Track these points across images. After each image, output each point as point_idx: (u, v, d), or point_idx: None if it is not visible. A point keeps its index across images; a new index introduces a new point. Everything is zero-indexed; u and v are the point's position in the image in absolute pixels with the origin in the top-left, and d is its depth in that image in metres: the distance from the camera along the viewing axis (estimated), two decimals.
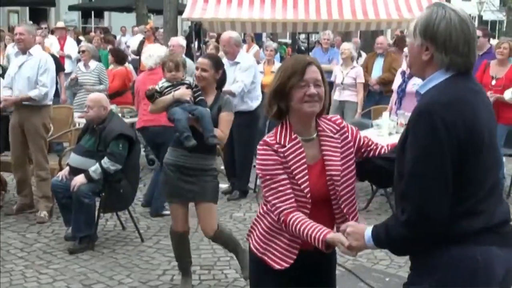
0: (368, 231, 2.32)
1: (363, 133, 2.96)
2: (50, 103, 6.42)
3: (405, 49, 7.40)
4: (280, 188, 2.61)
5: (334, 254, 2.96)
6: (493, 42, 9.51)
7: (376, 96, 8.98)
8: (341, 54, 8.70)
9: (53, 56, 8.08)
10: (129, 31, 19.42)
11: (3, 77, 6.64)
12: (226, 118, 4.49)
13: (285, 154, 2.62)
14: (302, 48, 21.34)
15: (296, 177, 2.62)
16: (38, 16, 24.20)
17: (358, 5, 10.41)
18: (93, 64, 8.69)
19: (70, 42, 12.48)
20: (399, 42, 9.60)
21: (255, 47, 12.64)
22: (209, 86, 4.55)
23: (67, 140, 7.51)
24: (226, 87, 5.28)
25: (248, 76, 7.00)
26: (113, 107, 6.66)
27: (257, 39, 19.30)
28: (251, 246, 2.83)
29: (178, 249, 4.71)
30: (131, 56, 13.92)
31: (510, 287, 2.31)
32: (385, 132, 6.54)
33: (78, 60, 10.05)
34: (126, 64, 9.80)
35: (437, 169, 2.10)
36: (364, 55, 11.97)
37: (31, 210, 6.48)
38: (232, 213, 6.65)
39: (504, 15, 39.69)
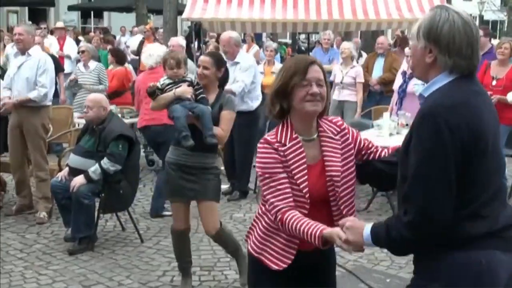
0: (367, 228, 2.31)
1: (363, 133, 2.96)
2: (50, 103, 6.40)
3: (406, 49, 7.38)
4: (279, 187, 2.60)
5: (334, 254, 2.96)
6: (494, 42, 9.49)
7: (377, 96, 8.97)
8: (341, 54, 8.68)
9: (52, 56, 8.07)
10: (128, 31, 19.43)
11: (3, 78, 6.63)
12: (227, 117, 4.45)
13: (286, 153, 2.62)
14: (302, 48, 21.35)
15: (296, 177, 2.61)
16: (38, 16, 24.22)
17: (359, 5, 10.39)
18: (92, 64, 8.68)
19: (70, 42, 12.47)
20: (401, 42, 9.59)
21: (255, 47, 12.63)
22: (211, 84, 4.52)
23: (66, 140, 7.49)
24: (226, 87, 5.25)
25: (248, 76, 6.99)
26: (112, 107, 6.65)
27: (257, 39, 19.29)
28: (248, 246, 2.83)
29: (179, 248, 4.68)
30: (131, 56, 13.89)
31: None
32: (386, 132, 6.52)
33: (78, 61, 10.04)
34: (126, 64, 9.78)
35: (440, 171, 2.09)
36: (364, 55, 11.96)
37: (30, 211, 6.46)
38: (232, 214, 6.63)
39: (505, 15, 39.74)
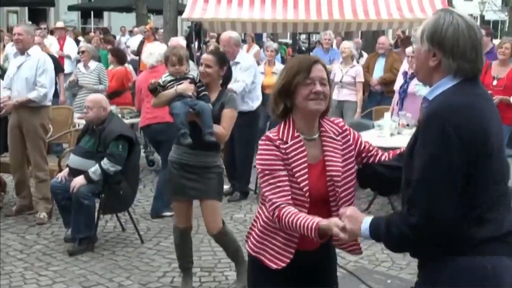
0: (367, 220, 2.30)
1: (364, 134, 2.96)
2: (49, 103, 6.39)
3: (407, 50, 7.37)
4: (278, 184, 2.60)
5: (334, 255, 2.96)
6: (495, 42, 9.49)
7: (378, 97, 8.95)
8: (342, 53, 8.67)
9: (52, 57, 8.05)
10: (127, 31, 19.42)
11: (3, 78, 6.62)
12: (228, 115, 4.41)
13: (287, 151, 2.62)
14: (303, 48, 21.31)
15: (296, 175, 2.61)
16: (37, 16, 24.20)
17: (359, 5, 10.37)
18: (93, 64, 8.66)
19: (70, 42, 12.46)
20: (404, 42, 9.57)
21: (255, 47, 12.61)
22: (213, 83, 4.48)
23: (66, 141, 7.49)
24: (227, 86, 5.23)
25: (249, 75, 6.98)
26: (113, 108, 6.63)
27: (258, 39, 19.28)
28: (247, 246, 2.83)
29: (180, 246, 4.66)
30: (130, 56, 13.88)
31: None
32: (387, 133, 6.51)
33: (78, 61, 10.02)
34: (126, 64, 9.77)
35: (445, 174, 2.08)
36: (365, 55, 11.95)
37: (30, 212, 6.45)
38: (232, 215, 6.61)
39: (506, 15, 39.74)
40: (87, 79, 8.57)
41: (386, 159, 2.75)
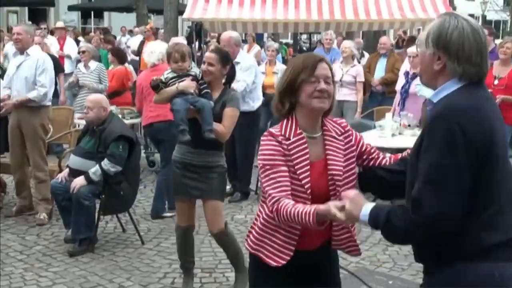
0: (368, 206, 2.28)
1: (365, 134, 2.95)
2: (49, 103, 6.37)
3: (409, 50, 7.35)
4: (279, 179, 2.59)
5: (336, 255, 2.95)
6: (497, 42, 9.48)
7: (379, 97, 8.94)
8: (342, 53, 8.65)
9: (53, 57, 8.04)
10: (127, 31, 19.41)
11: (3, 78, 6.60)
12: (230, 114, 4.37)
13: (289, 147, 2.62)
14: (304, 48, 21.33)
15: (298, 172, 2.61)
16: (38, 16, 24.17)
17: (361, 4, 10.37)
18: (93, 64, 8.65)
19: (70, 42, 12.44)
20: (409, 43, 9.55)
21: (256, 47, 12.58)
22: (216, 81, 4.44)
23: (66, 141, 7.47)
24: None
25: (249, 75, 6.96)
26: (113, 108, 6.61)
27: (258, 39, 19.26)
28: (246, 244, 2.83)
29: (182, 245, 4.63)
30: (131, 57, 13.87)
31: None
32: (388, 133, 6.48)
33: (78, 61, 10.00)
34: (126, 64, 9.75)
35: (452, 175, 2.07)
36: (367, 55, 11.93)
37: (30, 212, 6.43)
38: (233, 215, 6.59)
39: (508, 15, 39.79)
40: (88, 79, 8.55)
41: (387, 163, 2.75)
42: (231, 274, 4.98)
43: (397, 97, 7.28)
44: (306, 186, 2.60)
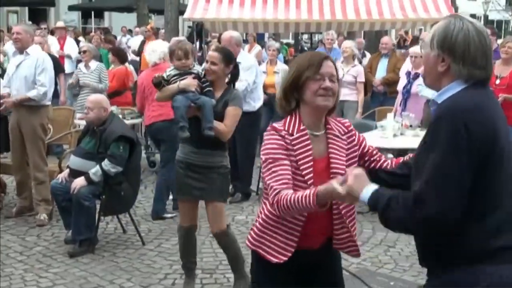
0: (370, 187, 2.26)
1: (366, 134, 2.94)
2: (49, 103, 6.35)
3: (411, 50, 7.33)
4: (281, 172, 2.58)
5: (338, 254, 2.94)
6: (499, 41, 9.47)
7: (380, 97, 8.92)
8: (343, 53, 8.64)
9: (53, 57, 8.02)
10: (127, 31, 19.39)
11: (3, 77, 6.59)
12: (232, 113, 4.35)
13: (293, 143, 2.63)
14: (305, 48, 21.29)
15: (301, 168, 2.61)
16: (38, 16, 24.17)
17: (362, 4, 10.34)
18: (93, 64, 8.63)
19: (70, 42, 12.43)
20: (414, 43, 9.54)
21: (257, 47, 12.58)
22: (219, 80, 4.41)
23: (67, 142, 7.45)
24: None
25: (250, 75, 6.95)
26: (113, 108, 6.59)
27: (259, 39, 19.23)
28: (247, 241, 2.82)
29: (184, 245, 4.61)
30: (131, 57, 13.85)
31: None
32: (390, 133, 6.47)
33: (78, 61, 9.99)
34: (127, 64, 9.73)
35: (455, 174, 2.06)
36: (368, 55, 11.92)
37: (30, 213, 6.41)
38: (234, 216, 6.57)
39: (510, 14, 39.78)
40: (88, 79, 8.53)
41: (389, 166, 2.74)
42: (232, 275, 4.96)
43: (399, 97, 7.26)
44: (309, 182, 2.60)
